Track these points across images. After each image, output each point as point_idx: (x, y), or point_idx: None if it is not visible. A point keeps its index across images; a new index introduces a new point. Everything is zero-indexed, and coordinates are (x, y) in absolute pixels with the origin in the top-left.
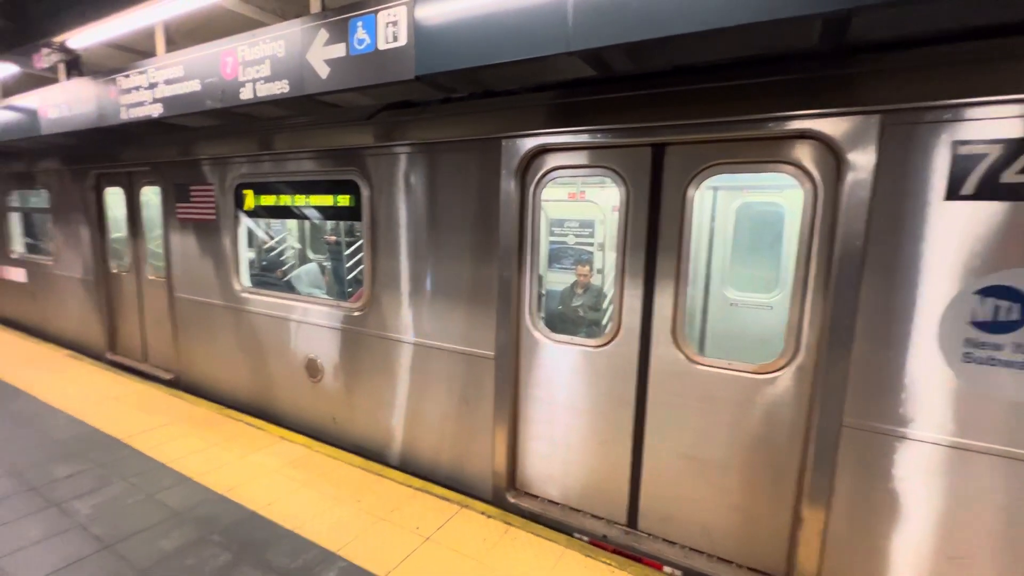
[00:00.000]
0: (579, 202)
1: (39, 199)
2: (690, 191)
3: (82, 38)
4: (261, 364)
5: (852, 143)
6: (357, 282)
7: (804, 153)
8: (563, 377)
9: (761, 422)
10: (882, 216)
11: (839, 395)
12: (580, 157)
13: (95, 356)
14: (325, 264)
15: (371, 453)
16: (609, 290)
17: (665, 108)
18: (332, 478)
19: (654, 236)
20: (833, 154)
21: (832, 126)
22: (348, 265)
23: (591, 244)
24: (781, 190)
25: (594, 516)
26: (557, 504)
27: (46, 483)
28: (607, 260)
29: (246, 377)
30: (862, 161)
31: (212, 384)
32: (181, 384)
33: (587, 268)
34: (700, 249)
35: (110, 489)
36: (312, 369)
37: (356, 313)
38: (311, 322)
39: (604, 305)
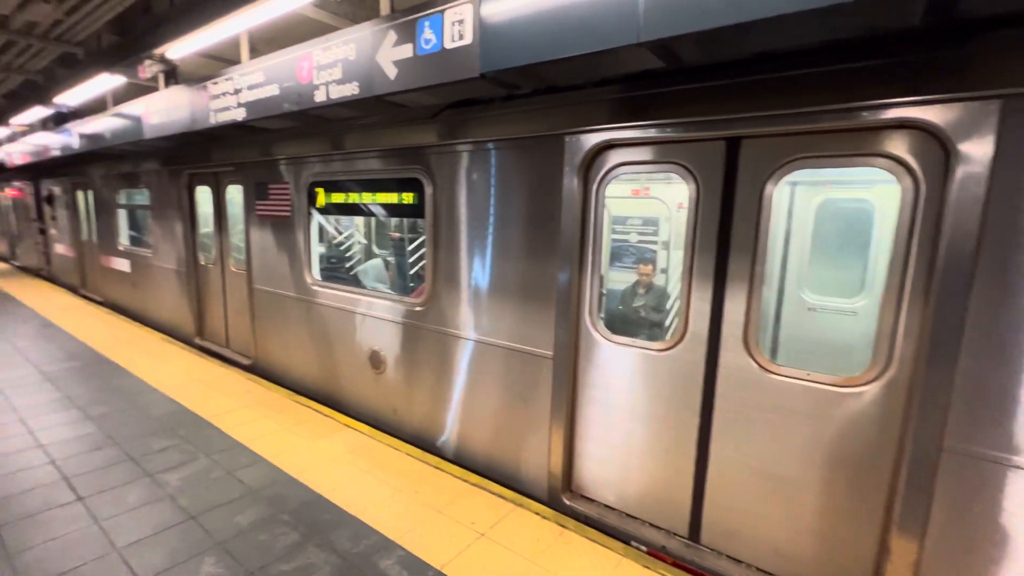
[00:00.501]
0: (643, 199)
1: (142, 197)
2: (768, 187)
3: (178, 49)
4: (328, 354)
5: (964, 133)
6: (418, 277)
7: (903, 145)
8: (624, 380)
9: (843, 439)
10: (1000, 215)
11: (940, 415)
12: (647, 153)
13: (185, 340)
14: (389, 259)
15: (428, 445)
16: (673, 290)
17: (742, 99)
18: (392, 468)
19: (726, 235)
20: (940, 145)
21: (939, 114)
22: (410, 261)
23: (655, 242)
24: (871, 185)
25: (653, 525)
26: (614, 510)
27: (143, 454)
28: (671, 259)
29: (315, 366)
30: (977, 153)
31: (284, 371)
32: (257, 370)
33: (650, 267)
34: (775, 249)
35: (196, 464)
36: (375, 361)
37: (417, 308)
38: (375, 315)
39: (667, 306)
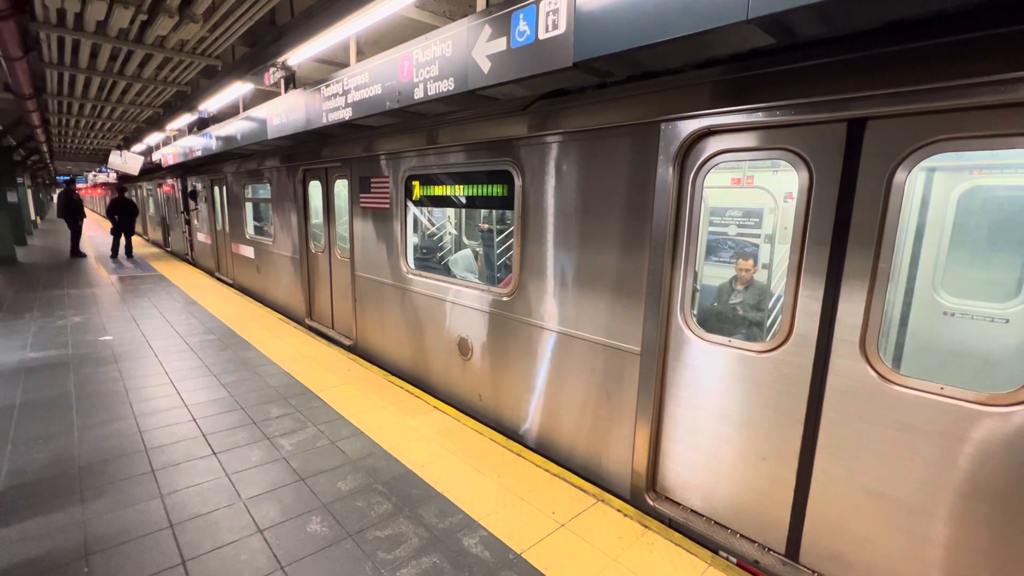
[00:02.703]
0: (745, 189)
1: (264, 191)
2: (899, 175)
3: (297, 56)
4: (420, 339)
5: None
6: (505, 268)
7: None
8: (717, 381)
9: (983, 467)
10: None
11: None
12: (751, 139)
13: (297, 321)
14: (477, 250)
15: (511, 432)
16: (776, 288)
17: (868, 75)
18: (476, 451)
19: (844, 228)
20: None
21: None
22: (498, 252)
23: (756, 236)
24: None
25: (745, 537)
26: (701, 516)
27: (263, 420)
28: (776, 254)
29: (408, 349)
30: None
31: (381, 352)
32: (357, 350)
33: (750, 262)
34: (903, 244)
35: (305, 432)
36: (463, 348)
37: (505, 298)
38: (464, 304)
39: (769, 305)
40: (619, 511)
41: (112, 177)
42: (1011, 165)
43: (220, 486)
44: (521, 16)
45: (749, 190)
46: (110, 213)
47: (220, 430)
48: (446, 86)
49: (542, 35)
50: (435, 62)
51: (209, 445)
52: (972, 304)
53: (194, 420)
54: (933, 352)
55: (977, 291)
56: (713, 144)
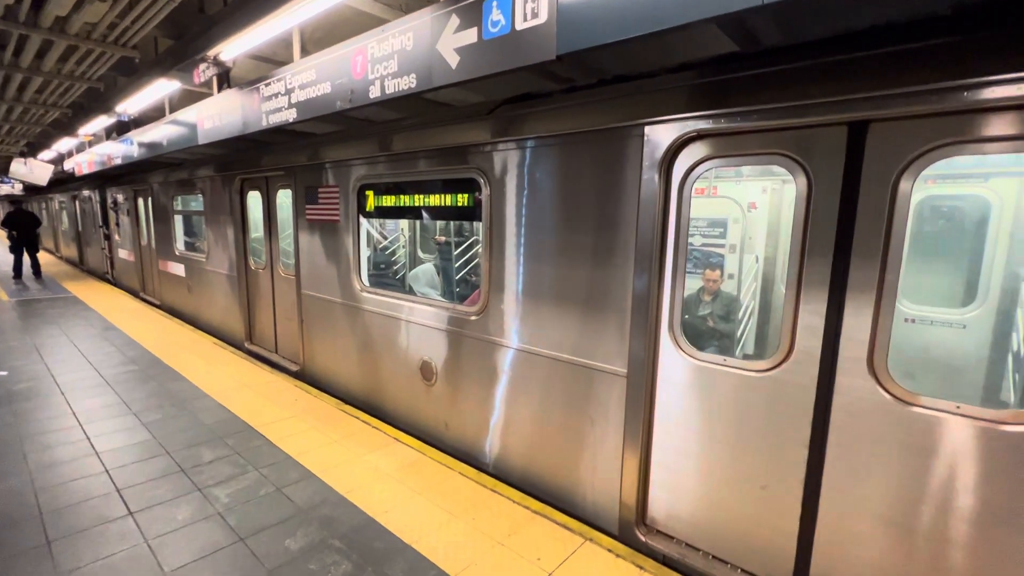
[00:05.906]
0: (709, 198)
1: (196, 203)
2: (904, 181)
3: (231, 49)
4: (377, 363)
5: None
6: (465, 282)
7: None
8: (711, 404)
9: (1004, 489)
10: None
11: None
12: (745, 143)
13: (236, 345)
14: (435, 264)
15: (482, 465)
16: (745, 298)
17: (871, 75)
18: (445, 489)
19: (847, 238)
20: None
21: None
22: (457, 266)
23: (721, 246)
24: (986, 179)
25: (747, 572)
26: (699, 550)
27: (193, 466)
28: (743, 264)
29: (363, 375)
30: None
31: (332, 379)
32: (305, 376)
33: (717, 273)
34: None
35: (245, 478)
36: (427, 372)
37: (473, 317)
38: (427, 324)
39: (738, 315)
40: (610, 551)
41: (18, 188)
42: (962, 175)
43: (137, 556)
44: (495, 4)
45: (714, 200)
46: (6, 227)
47: (139, 482)
48: (407, 83)
49: (519, 25)
50: (394, 56)
51: (124, 503)
52: (931, 311)
53: (107, 472)
54: (898, 359)
55: (935, 298)
56: (702, 149)
